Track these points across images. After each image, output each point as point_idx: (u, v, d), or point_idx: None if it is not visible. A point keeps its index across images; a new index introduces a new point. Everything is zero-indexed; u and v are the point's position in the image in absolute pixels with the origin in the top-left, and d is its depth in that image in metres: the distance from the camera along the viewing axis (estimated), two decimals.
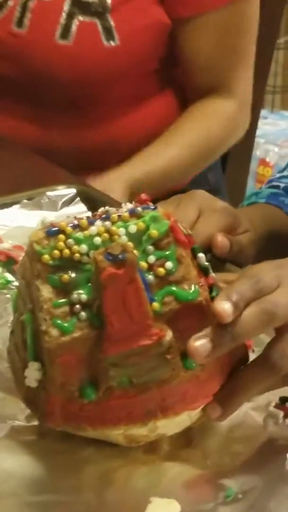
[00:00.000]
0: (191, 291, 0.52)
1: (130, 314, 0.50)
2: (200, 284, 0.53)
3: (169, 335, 0.52)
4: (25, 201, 0.89)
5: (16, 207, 0.88)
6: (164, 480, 0.56)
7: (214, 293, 0.55)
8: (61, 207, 0.86)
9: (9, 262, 0.78)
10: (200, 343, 0.52)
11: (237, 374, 0.56)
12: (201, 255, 0.55)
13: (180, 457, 0.58)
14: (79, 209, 0.85)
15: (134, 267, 0.50)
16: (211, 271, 0.56)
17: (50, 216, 0.83)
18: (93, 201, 0.86)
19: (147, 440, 0.56)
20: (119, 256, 0.50)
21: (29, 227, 0.79)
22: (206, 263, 0.55)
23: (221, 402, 0.55)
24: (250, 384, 0.55)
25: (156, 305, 0.52)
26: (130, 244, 0.52)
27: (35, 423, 0.58)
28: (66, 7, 1.02)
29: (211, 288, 0.55)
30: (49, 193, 0.87)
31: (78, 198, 0.87)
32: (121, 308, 0.50)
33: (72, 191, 0.88)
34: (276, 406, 0.62)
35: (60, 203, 0.86)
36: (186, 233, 0.55)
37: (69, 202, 0.87)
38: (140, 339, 0.51)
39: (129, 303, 0.50)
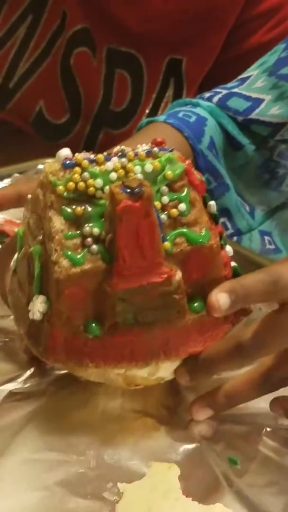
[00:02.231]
0: (202, 234, 0.52)
1: (142, 250, 0.50)
2: (211, 229, 0.53)
3: (178, 275, 0.51)
4: (17, 174, 0.88)
5: (7, 181, 0.88)
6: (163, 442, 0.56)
7: (222, 242, 0.55)
8: None
9: (1, 236, 0.77)
10: (222, 297, 0.51)
11: (210, 348, 0.55)
12: (212, 203, 0.55)
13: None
14: None
15: (150, 201, 0.50)
16: (219, 220, 0.56)
17: None
18: None
19: (145, 384, 0.56)
20: (136, 189, 0.49)
21: None
22: (216, 212, 0.55)
23: (189, 370, 0.55)
24: (218, 363, 0.55)
25: (167, 244, 0.52)
26: (145, 180, 0.51)
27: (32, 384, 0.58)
28: None
29: (220, 236, 0.55)
30: (40, 167, 0.87)
31: None
32: (134, 243, 0.50)
33: None
34: None
35: None
36: (200, 179, 0.55)
37: None
38: (150, 276, 0.50)
39: (143, 238, 0.50)
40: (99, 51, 1.01)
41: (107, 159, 0.53)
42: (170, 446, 0.55)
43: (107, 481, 0.52)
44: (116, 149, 0.55)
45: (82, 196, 0.51)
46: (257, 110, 0.80)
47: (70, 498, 0.51)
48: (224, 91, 0.84)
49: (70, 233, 0.51)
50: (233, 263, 0.56)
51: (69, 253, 0.51)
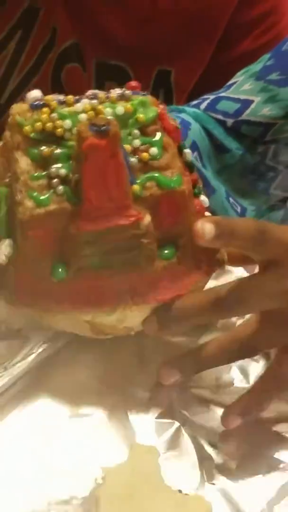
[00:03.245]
0: (174, 179, 0.51)
1: (109, 191, 0.49)
2: (184, 176, 0.52)
3: (147, 219, 0.50)
4: None
5: None
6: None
7: (196, 191, 0.54)
8: None
9: None
10: (208, 226, 0.50)
11: (185, 298, 0.53)
12: (187, 151, 0.54)
13: None
14: None
15: (117, 140, 0.49)
16: (196, 169, 0.55)
17: None
18: None
19: (114, 333, 0.54)
20: (103, 127, 0.49)
21: None
22: (192, 160, 0.54)
23: (159, 319, 0.54)
24: (191, 314, 0.54)
25: (136, 188, 0.50)
26: (116, 121, 0.50)
27: None
28: None
29: (195, 184, 0.54)
30: None
31: None
32: (100, 183, 0.49)
33: None
34: None
35: None
36: (175, 126, 0.54)
37: None
38: (117, 218, 0.50)
39: (109, 179, 0.49)
40: (89, 64, 1.01)
41: (77, 100, 0.52)
42: (151, 426, 0.54)
43: (89, 464, 0.51)
44: (88, 92, 0.54)
45: (50, 137, 0.50)
46: (247, 111, 0.80)
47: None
48: (212, 96, 0.84)
49: (36, 174, 0.50)
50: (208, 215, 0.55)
51: (34, 194, 0.50)
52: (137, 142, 0.51)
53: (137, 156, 0.51)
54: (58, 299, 0.51)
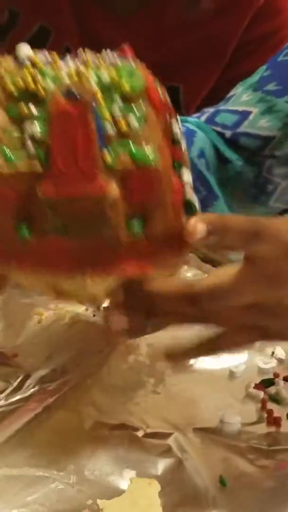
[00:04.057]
0: (150, 154, 0.48)
1: (77, 158, 0.47)
2: (163, 152, 0.49)
3: (114, 190, 0.48)
4: None
5: None
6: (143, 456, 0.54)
7: (177, 167, 0.51)
8: None
9: None
10: (200, 225, 0.48)
11: (159, 284, 0.51)
12: (176, 122, 0.51)
13: None
14: None
15: (88, 108, 0.47)
16: (183, 145, 0.52)
17: None
18: None
19: (77, 299, 0.55)
20: (77, 94, 0.47)
21: None
22: (179, 133, 0.51)
23: (128, 303, 0.52)
24: (162, 303, 0.51)
25: (108, 158, 0.48)
26: (96, 88, 0.48)
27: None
28: None
29: (177, 160, 0.51)
30: None
31: None
32: (68, 150, 0.47)
33: None
34: (256, 387, 0.60)
35: None
36: (163, 100, 0.51)
37: None
38: (82, 187, 0.47)
39: (78, 147, 0.47)
40: None
41: (65, 62, 0.50)
42: (150, 460, 0.53)
43: (87, 497, 0.50)
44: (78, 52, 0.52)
45: (31, 98, 0.48)
46: (246, 123, 0.79)
47: None
48: (211, 110, 0.84)
49: (11, 131, 0.48)
50: (190, 196, 0.51)
51: (6, 151, 0.48)
52: (117, 111, 0.48)
53: (115, 125, 0.48)
54: (19, 258, 0.50)
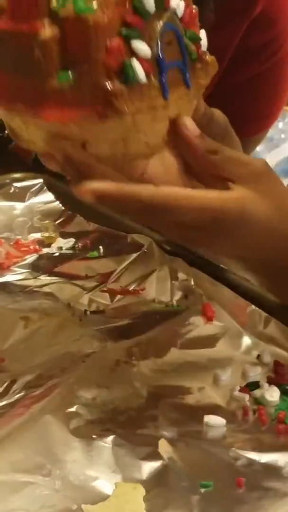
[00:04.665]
0: (91, 8, 0.50)
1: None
2: (109, 12, 0.50)
3: (48, 32, 0.50)
4: None
5: None
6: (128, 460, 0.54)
7: (128, 34, 0.51)
8: (29, 197, 0.81)
9: None
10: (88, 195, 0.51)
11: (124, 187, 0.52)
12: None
13: None
14: (47, 198, 0.82)
15: None
16: (159, 23, 0.52)
17: (18, 207, 0.77)
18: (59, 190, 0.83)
19: (24, 142, 0.56)
20: None
21: None
22: (149, 7, 0.51)
23: (94, 186, 0.52)
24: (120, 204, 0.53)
25: (55, 2, 0.50)
26: None
27: None
28: None
29: (127, 28, 0.51)
30: (16, 184, 0.82)
31: (45, 188, 0.83)
32: None
33: (39, 181, 0.84)
34: (241, 390, 0.60)
35: (27, 193, 0.82)
36: None
37: (37, 192, 0.83)
38: (20, 23, 0.51)
39: None
40: None
41: None
42: (135, 464, 0.53)
43: (72, 502, 0.50)
44: None
45: None
46: None
47: None
48: None
49: None
50: (134, 67, 0.51)
51: None
52: None
53: None
54: None
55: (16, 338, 0.65)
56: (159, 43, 0.51)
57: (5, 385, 0.59)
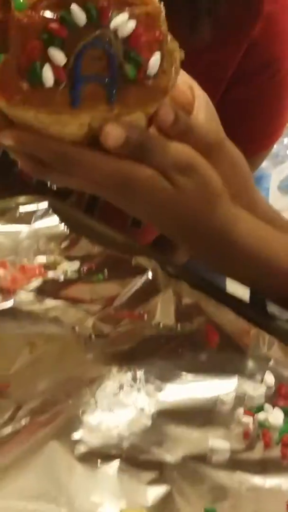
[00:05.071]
0: (24, 6, 0.53)
1: None
2: (37, 16, 0.52)
3: None
4: None
5: None
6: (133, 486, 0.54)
7: (44, 38, 0.53)
8: (35, 221, 0.82)
9: None
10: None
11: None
12: None
13: None
14: (52, 222, 0.82)
15: None
16: (80, 34, 0.53)
17: (24, 231, 0.78)
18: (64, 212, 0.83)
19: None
20: None
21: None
22: None
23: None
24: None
25: None
26: None
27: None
28: None
29: (53, 35, 0.53)
30: (21, 208, 0.83)
31: (50, 211, 0.83)
32: None
33: (45, 204, 0.84)
34: (245, 414, 0.60)
35: (33, 217, 0.83)
36: None
37: (42, 215, 0.83)
38: None
39: None
40: None
41: None
42: (140, 489, 0.53)
43: None
44: None
45: None
46: None
47: None
48: None
49: None
50: (46, 69, 0.53)
51: None
52: None
53: None
54: None
55: (21, 363, 0.65)
56: (79, 55, 0.53)
57: (10, 412, 0.59)
